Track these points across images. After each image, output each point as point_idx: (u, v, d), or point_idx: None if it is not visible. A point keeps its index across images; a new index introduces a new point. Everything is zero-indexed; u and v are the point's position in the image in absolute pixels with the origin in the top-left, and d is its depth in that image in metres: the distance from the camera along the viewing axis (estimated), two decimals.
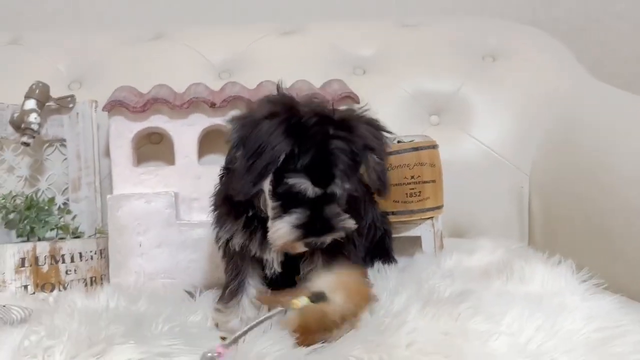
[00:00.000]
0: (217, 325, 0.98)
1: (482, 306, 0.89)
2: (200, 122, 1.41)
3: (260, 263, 0.94)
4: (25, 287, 1.22)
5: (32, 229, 1.32)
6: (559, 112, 1.61)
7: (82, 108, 1.49)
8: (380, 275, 1.11)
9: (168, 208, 1.33)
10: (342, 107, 1.37)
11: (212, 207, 1.01)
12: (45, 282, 1.23)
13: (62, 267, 1.25)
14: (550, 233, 1.52)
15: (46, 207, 1.36)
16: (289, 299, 0.84)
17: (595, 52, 2.10)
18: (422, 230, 1.35)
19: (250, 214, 0.93)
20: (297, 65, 1.72)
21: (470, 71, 1.75)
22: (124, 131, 1.40)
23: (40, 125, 1.40)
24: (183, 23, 1.99)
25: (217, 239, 0.97)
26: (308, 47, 1.80)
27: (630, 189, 1.21)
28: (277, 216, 0.86)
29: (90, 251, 1.30)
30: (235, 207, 0.92)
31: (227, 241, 0.94)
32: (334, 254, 0.93)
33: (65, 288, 1.24)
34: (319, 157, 0.83)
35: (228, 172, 0.99)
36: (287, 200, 0.85)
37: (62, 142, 1.50)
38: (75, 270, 1.26)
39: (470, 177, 1.62)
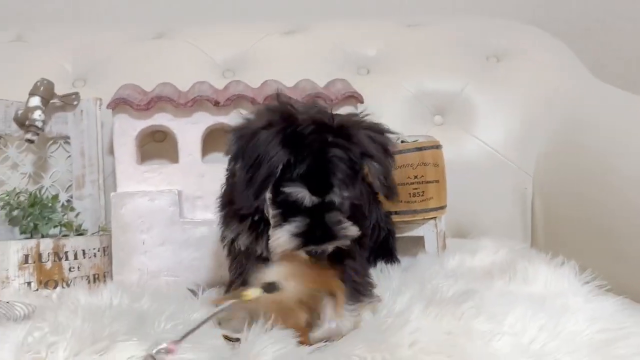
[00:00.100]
0: (219, 323, 0.98)
1: (485, 306, 0.89)
2: (204, 120, 1.41)
3: (265, 262, 0.94)
4: (29, 283, 1.22)
5: (35, 225, 1.32)
6: (562, 113, 1.61)
7: (86, 105, 1.49)
8: (383, 275, 1.12)
9: (171, 206, 1.33)
10: (344, 111, 1.42)
11: (219, 207, 1.00)
12: (48, 279, 1.23)
13: (65, 264, 1.25)
14: (553, 234, 1.52)
15: (50, 204, 1.36)
16: (240, 292, 0.84)
17: (599, 53, 2.10)
18: (425, 231, 1.35)
19: (257, 218, 0.93)
20: (300, 65, 1.72)
21: (474, 71, 1.75)
22: (128, 129, 1.40)
23: (44, 122, 1.40)
24: (187, 21, 1.98)
25: (223, 237, 0.97)
26: (312, 47, 1.80)
27: (633, 190, 1.20)
28: (277, 224, 0.86)
29: (94, 248, 1.30)
30: (240, 210, 0.92)
31: (233, 240, 0.94)
32: (340, 253, 0.92)
33: (68, 285, 1.24)
34: (316, 166, 0.83)
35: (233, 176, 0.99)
36: (287, 209, 0.85)
37: (66, 139, 1.50)
38: (78, 268, 1.27)
39: (473, 178, 1.62)
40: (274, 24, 1.88)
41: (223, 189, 1.02)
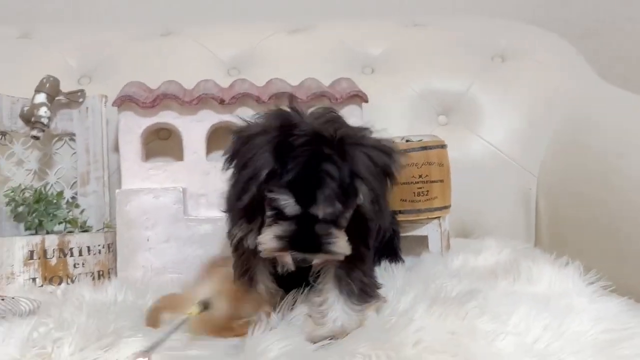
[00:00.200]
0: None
1: (489, 306, 0.89)
2: (209, 118, 1.42)
3: (271, 261, 0.94)
4: (34, 279, 1.22)
5: (40, 222, 1.33)
6: (567, 114, 1.61)
7: (91, 103, 1.49)
8: (387, 274, 1.12)
9: (176, 203, 1.34)
10: (349, 110, 1.42)
11: (227, 208, 1.00)
12: (53, 275, 1.24)
13: (70, 261, 1.25)
14: (557, 234, 1.51)
15: (55, 201, 1.37)
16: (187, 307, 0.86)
17: (605, 54, 2.10)
18: (429, 230, 1.35)
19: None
20: (305, 63, 1.72)
21: (479, 71, 1.75)
22: (133, 126, 1.40)
23: (50, 119, 1.41)
24: (192, 20, 1.99)
25: (231, 235, 0.97)
26: (317, 45, 1.80)
27: (637, 190, 1.20)
28: (268, 225, 0.86)
29: (98, 245, 1.31)
30: (248, 210, 0.92)
31: (241, 239, 0.94)
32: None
33: (72, 281, 1.25)
34: (304, 177, 0.81)
35: None
36: (281, 212, 0.85)
37: (71, 136, 1.50)
38: (83, 264, 1.27)
39: (478, 178, 1.62)
40: (279, 23, 1.88)
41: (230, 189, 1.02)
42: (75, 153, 1.50)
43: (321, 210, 0.82)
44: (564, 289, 1.02)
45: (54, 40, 1.81)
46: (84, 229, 1.38)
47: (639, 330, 0.84)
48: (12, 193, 1.37)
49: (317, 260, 0.87)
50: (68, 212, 1.38)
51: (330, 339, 0.85)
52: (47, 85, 1.41)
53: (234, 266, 0.99)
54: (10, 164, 1.48)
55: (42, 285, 1.22)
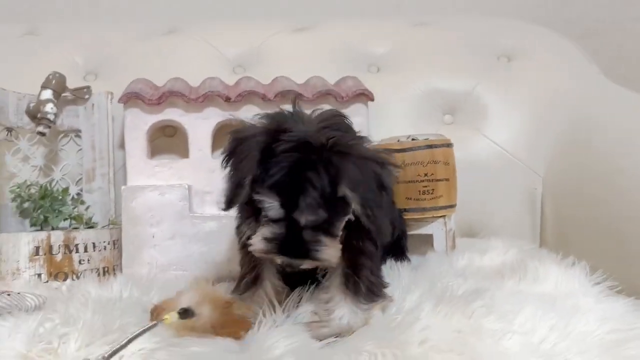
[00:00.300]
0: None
1: (495, 305, 0.89)
2: (214, 116, 1.42)
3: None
4: (39, 275, 1.22)
5: (45, 218, 1.33)
6: (573, 114, 1.60)
7: (97, 99, 1.49)
8: (393, 272, 1.11)
9: (181, 200, 1.34)
10: (355, 109, 1.42)
11: (224, 207, 1.00)
12: (58, 271, 1.24)
13: (75, 257, 1.25)
14: (562, 235, 1.51)
15: (60, 197, 1.37)
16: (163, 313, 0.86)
17: (610, 54, 2.09)
18: (434, 229, 1.35)
19: None
20: (311, 62, 1.72)
21: (484, 71, 1.75)
22: (139, 123, 1.41)
23: (56, 115, 1.41)
24: (198, 18, 1.99)
25: (239, 232, 0.97)
26: (322, 44, 1.80)
27: None
28: (261, 226, 0.86)
29: (104, 241, 1.31)
30: (256, 209, 0.92)
31: (250, 237, 0.94)
32: (355, 252, 0.92)
33: (78, 277, 1.25)
34: (287, 183, 0.81)
35: None
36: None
37: (77, 132, 1.51)
38: (88, 260, 1.27)
39: (483, 177, 1.62)
40: (285, 21, 1.89)
41: None
42: (80, 149, 1.50)
43: (303, 217, 0.82)
44: (570, 289, 1.02)
45: (59, 37, 1.82)
46: (89, 225, 1.38)
47: None
48: (18, 189, 1.38)
49: (305, 265, 0.86)
50: (73, 208, 1.38)
51: (336, 337, 0.85)
52: (54, 81, 1.42)
53: (241, 263, 0.99)
54: (16, 160, 1.48)
55: (47, 281, 1.23)
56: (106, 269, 1.31)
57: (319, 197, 0.80)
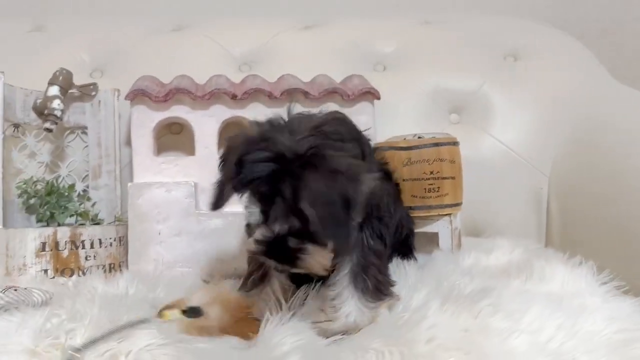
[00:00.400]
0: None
1: (502, 304, 0.88)
2: (221, 113, 1.42)
3: None
4: (45, 271, 1.23)
5: (52, 214, 1.33)
6: (579, 113, 1.60)
7: (104, 96, 1.50)
8: (399, 271, 1.11)
9: (188, 197, 1.34)
10: (361, 107, 1.42)
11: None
12: (64, 267, 1.24)
13: (81, 253, 1.26)
14: (568, 234, 1.51)
15: (66, 194, 1.37)
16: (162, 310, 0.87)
17: (617, 54, 2.09)
18: (440, 227, 1.34)
19: None
20: (317, 60, 1.72)
21: (491, 70, 1.75)
22: (146, 120, 1.41)
23: (62, 111, 1.41)
24: (204, 15, 1.99)
25: (249, 228, 0.97)
26: (329, 42, 1.80)
27: None
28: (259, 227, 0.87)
29: (110, 238, 1.31)
30: None
31: None
32: (364, 251, 0.92)
33: (84, 274, 1.25)
34: (262, 193, 0.82)
35: None
36: None
37: (83, 129, 1.51)
38: (94, 257, 1.27)
39: (489, 177, 1.61)
40: (291, 20, 1.89)
41: None
42: (87, 146, 1.50)
43: (275, 226, 0.82)
44: (577, 289, 1.02)
45: (66, 33, 1.82)
46: (95, 221, 1.38)
47: None
48: (24, 185, 1.38)
49: (294, 270, 0.86)
50: (79, 204, 1.39)
51: (343, 335, 0.85)
52: (60, 78, 1.42)
53: (248, 261, 0.99)
54: (22, 156, 1.48)
55: (53, 277, 1.23)
56: (112, 266, 1.31)
57: (288, 209, 0.80)
